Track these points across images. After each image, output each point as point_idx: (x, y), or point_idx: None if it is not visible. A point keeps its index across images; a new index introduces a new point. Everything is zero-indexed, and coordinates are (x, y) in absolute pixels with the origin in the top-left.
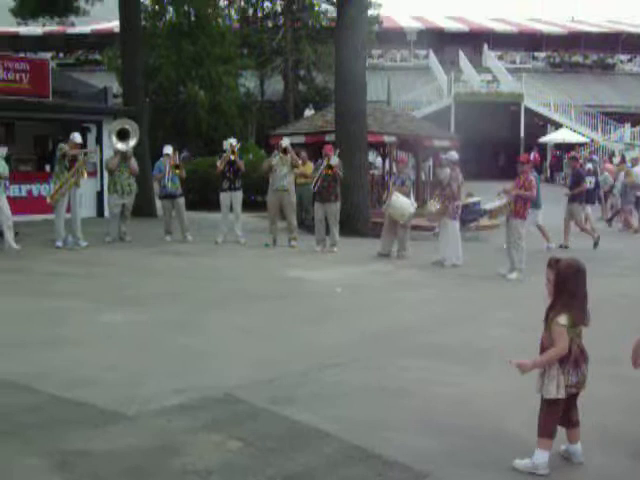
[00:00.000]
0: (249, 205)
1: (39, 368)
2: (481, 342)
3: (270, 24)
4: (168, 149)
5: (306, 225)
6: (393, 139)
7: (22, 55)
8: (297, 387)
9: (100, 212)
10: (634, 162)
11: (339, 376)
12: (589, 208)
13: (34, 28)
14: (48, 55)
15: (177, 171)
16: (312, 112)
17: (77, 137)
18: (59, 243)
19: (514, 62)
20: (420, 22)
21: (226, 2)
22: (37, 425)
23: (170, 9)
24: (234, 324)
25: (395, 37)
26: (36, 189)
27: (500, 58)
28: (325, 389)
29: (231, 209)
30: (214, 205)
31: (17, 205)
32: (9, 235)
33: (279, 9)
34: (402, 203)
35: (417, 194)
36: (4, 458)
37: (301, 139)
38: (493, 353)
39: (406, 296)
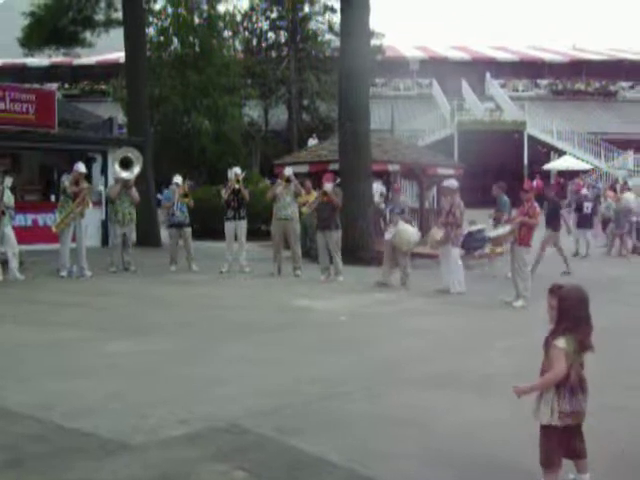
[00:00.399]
0: (254, 234)
1: (44, 398)
2: (487, 370)
3: (274, 54)
4: (178, 179)
5: (311, 254)
6: (397, 167)
7: (29, 86)
8: (303, 416)
9: (105, 241)
10: (623, 189)
11: (346, 405)
12: (589, 234)
13: (41, 60)
14: (54, 86)
15: (186, 200)
16: (316, 141)
17: (81, 167)
18: (64, 273)
19: (517, 90)
20: (423, 51)
21: (230, 33)
22: (41, 455)
23: (175, 40)
24: (239, 353)
25: (398, 66)
26: (41, 219)
27: (503, 86)
28: (332, 418)
29: (236, 238)
30: (219, 234)
31: (22, 234)
32: (14, 264)
33: (283, 39)
34: (408, 231)
35: (421, 222)
36: None
37: (305, 168)
38: (499, 381)
39: (411, 324)
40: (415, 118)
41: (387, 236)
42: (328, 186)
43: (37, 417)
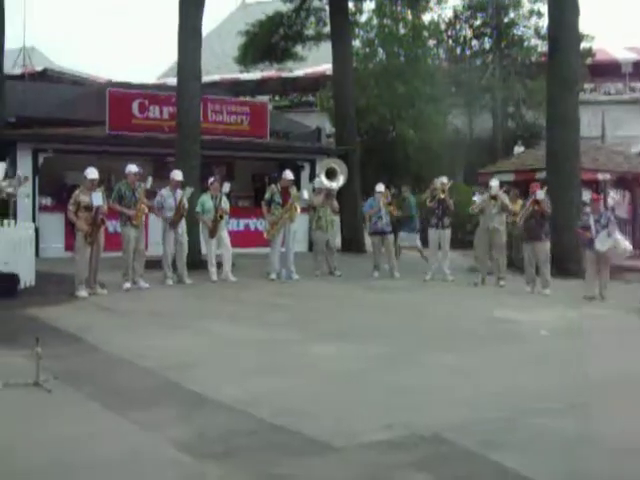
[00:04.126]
0: (458, 243)
1: (253, 394)
2: None
3: (478, 62)
4: (380, 187)
5: (516, 265)
6: (607, 176)
7: (243, 99)
8: (507, 432)
9: (312, 247)
10: None
11: (552, 422)
12: None
13: (252, 74)
14: (266, 98)
15: (390, 208)
16: (521, 149)
17: (288, 174)
18: (273, 275)
19: None
20: (636, 53)
21: (435, 42)
22: (251, 448)
23: (380, 51)
24: (442, 362)
25: (609, 70)
26: (253, 224)
27: None
28: (537, 436)
29: (439, 247)
30: (422, 243)
31: (235, 238)
32: (227, 267)
33: (487, 46)
34: (623, 241)
35: (633, 234)
36: (223, 476)
37: (510, 177)
38: None
39: (621, 342)
40: (628, 124)
41: (599, 246)
42: (540, 193)
43: (248, 412)
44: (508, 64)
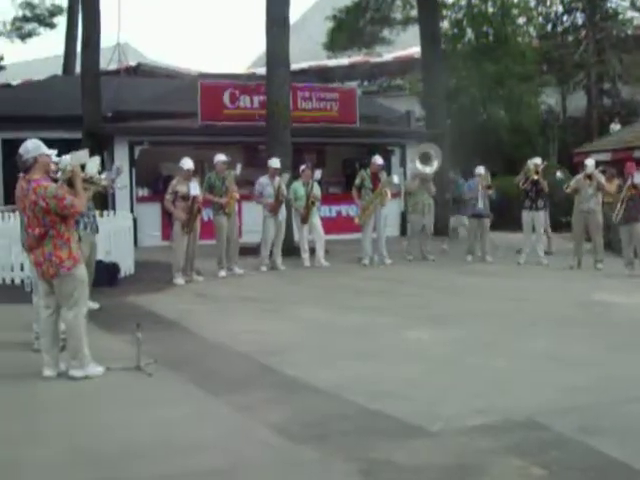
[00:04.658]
0: (553, 225)
1: (347, 379)
2: None
3: (570, 38)
4: (480, 169)
5: (612, 247)
6: None
7: (332, 85)
8: (607, 418)
9: (404, 231)
10: None
11: None
12: None
13: (340, 60)
14: (354, 84)
15: (489, 191)
16: (618, 127)
17: (378, 159)
18: (366, 261)
19: None
20: None
21: (524, 20)
22: (346, 432)
23: (469, 31)
24: (538, 347)
25: None
26: (344, 210)
27: None
28: (635, 422)
29: (534, 229)
30: (514, 226)
31: (327, 225)
32: (320, 253)
33: (580, 22)
34: None
35: None
36: (318, 459)
37: (607, 156)
38: None
39: None
40: None
41: None
42: (638, 177)
43: (343, 396)
44: (602, 39)
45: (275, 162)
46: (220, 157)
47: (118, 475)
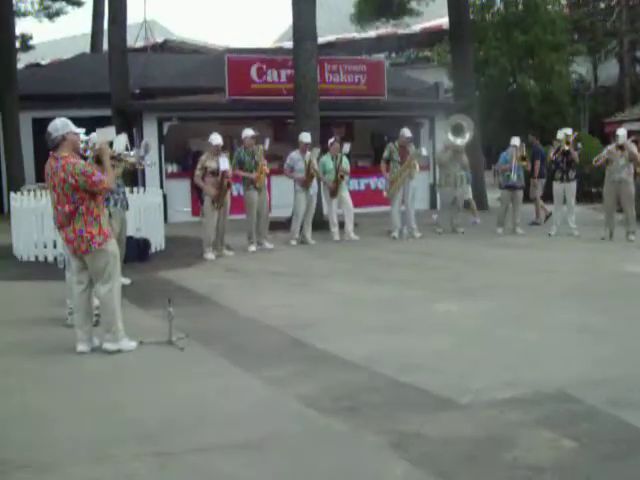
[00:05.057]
0: (584, 196)
1: (376, 351)
2: None
3: (602, 5)
4: (516, 140)
5: None
6: None
7: (359, 57)
8: (636, 391)
9: (433, 204)
10: None
11: None
12: None
13: (367, 33)
14: (382, 56)
15: (523, 163)
16: None
17: (406, 132)
18: (395, 234)
19: None
20: None
21: None
22: (376, 405)
23: (498, 0)
24: (569, 319)
25: None
26: (373, 183)
27: None
28: None
29: (565, 201)
30: (544, 197)
31: (356, 198)
32: (349, 227)
33: None
34: None
35: None
36: (348, 431)
37: (639, 126)
38: None
39: None
40: None
41: None
42: None
43: (372, 369)
44: (635, 5)
45: (306, 136)
46: (248, 132)
47: (157, 449)
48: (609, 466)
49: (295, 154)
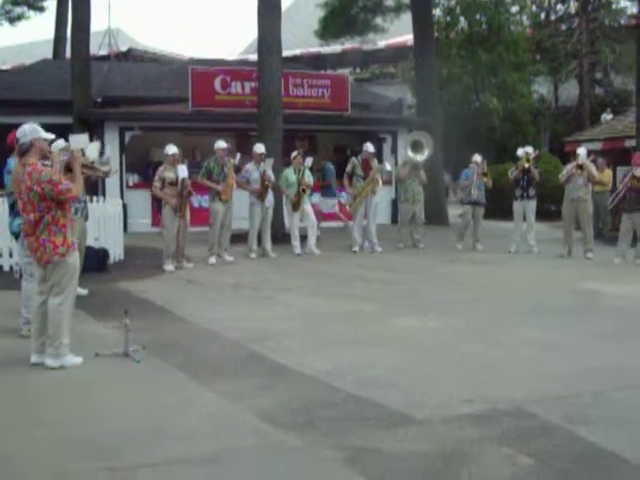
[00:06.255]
0: (544, 214)
1: (336, 366)
2: None
3: (564, 27)
4: (477, 157)
5: (603, 236)
6: None
7: (323, 72)
8: (592, 407)
9: (394, 219)
10: None
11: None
12: None
13: (333, 47)
14: (346, 71)
15: (485, 179)
16: (610, 117)
17: (370, 147)
18: (356, 248)
19: None
20: None
21: (518, 8)
22: (334, 419)
23: (462, 19)
24: (526, 336)
25: None
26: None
27: None
28: (624, 411)
29: (524, 218)
30: (505, 214)
31: (318, 212)
32: (312, 240)
33: (573, 10)
34: None
35: None
36: (305, 446)
37: (598, 145)
38: None
39: None
40: None
41: None
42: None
43: (330, 383)
44: (595, 28)
45: (260, 147)
46: (221, 144)
47: (112, 464)
48: None
49: (250, 165)
